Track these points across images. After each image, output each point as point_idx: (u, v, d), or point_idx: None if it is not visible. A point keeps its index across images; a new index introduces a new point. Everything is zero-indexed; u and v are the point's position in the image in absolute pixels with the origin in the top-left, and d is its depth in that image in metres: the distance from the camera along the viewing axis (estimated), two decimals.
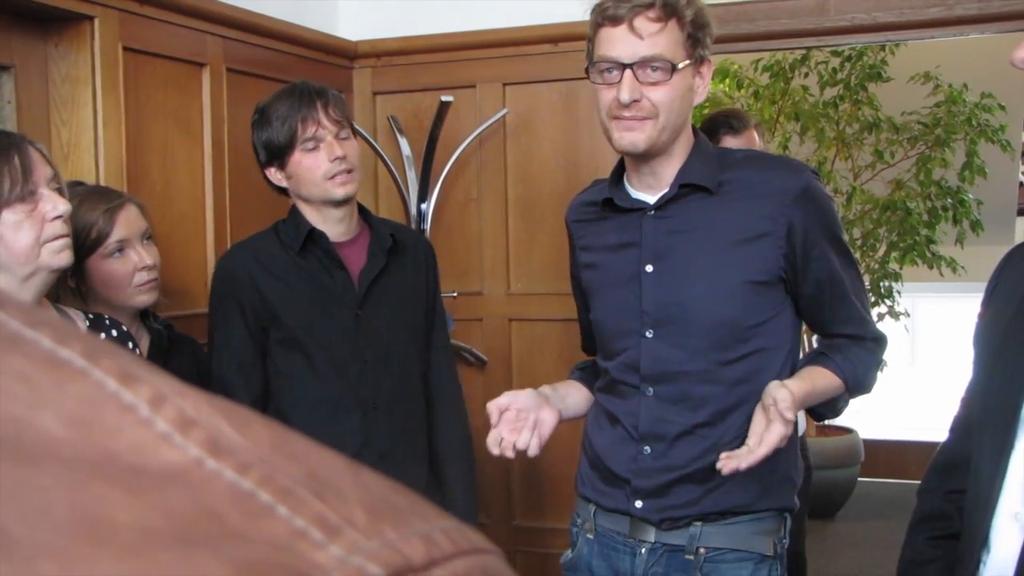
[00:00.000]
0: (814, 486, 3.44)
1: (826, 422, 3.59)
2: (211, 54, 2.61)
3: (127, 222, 1.92)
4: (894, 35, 2.89)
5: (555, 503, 3.02)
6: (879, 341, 1.76)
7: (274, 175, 2.03)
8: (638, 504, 1.71)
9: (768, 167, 1.72)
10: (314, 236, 2.02)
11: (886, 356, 1.83)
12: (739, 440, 1.60)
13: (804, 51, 4.86)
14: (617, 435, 1.75)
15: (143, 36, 2.39)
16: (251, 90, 2.68)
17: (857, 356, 1.70)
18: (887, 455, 5.85)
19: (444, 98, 2.93)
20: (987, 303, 1.45)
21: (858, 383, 1.71)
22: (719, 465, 1.54)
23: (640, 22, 1.59)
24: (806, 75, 5.06)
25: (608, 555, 1.77)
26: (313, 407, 2.01)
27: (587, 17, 1.67)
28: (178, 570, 0.23)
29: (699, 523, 1.69)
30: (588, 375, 1.91)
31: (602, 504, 1.78)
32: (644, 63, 1.59)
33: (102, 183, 2.22)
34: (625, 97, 1.58)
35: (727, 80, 5.01)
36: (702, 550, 1.69)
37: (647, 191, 1.72)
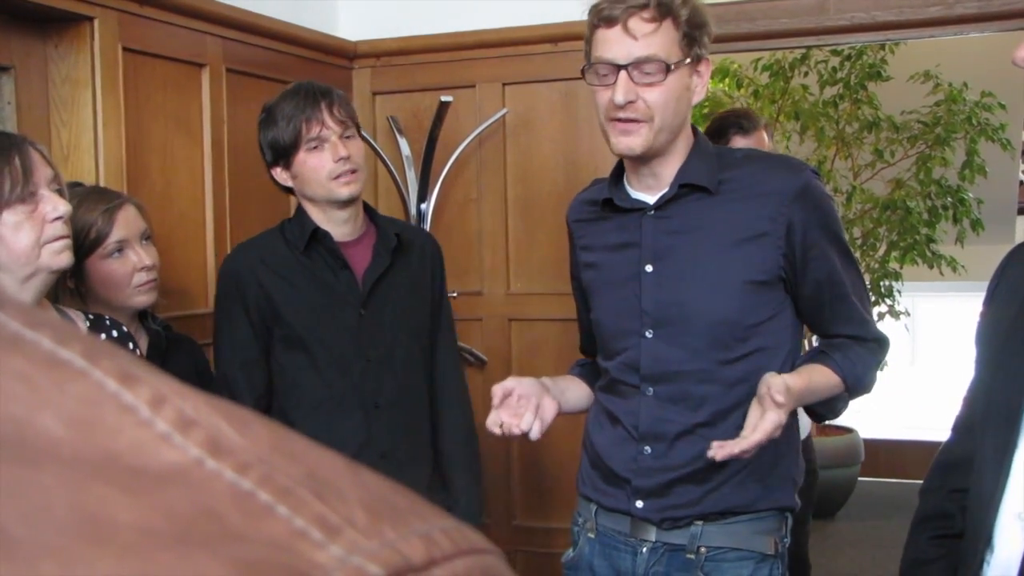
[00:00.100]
0: None
1: (826, 422, 3.59)
2: (211, 54, 2.61)
3: (126, 222, 1.93)
4: (894, 34, 2.90)
5: (556, 503, 3.01)
6: (880, 342, 1.74)
7: (280, 175, 2.04)
8: (639, 504, 1.71)
9: (767, 166, 1.71)
10: (319, 235, 2.02)
11: (886, 356, 1.82)
12: None
13: (804, 50, 4.86)
14: (617, 435, 1.75)
15: (143, 37, 2.39)
16: (251, 90, 2.68)
17: (857, 355, 1.69)
18: (887, 455, 5.84)
19: (444, 98, 2.93)
20: (989, 302, 1.45)
21: (857, 382, 1.70)
22: (710, 453, 1.52)
23: (634, 23, 1.58)
24: (806, 74, 5.05)
25: (609, 554, 1.77)
26: (315, 406, 2.01)
27: (585, 17, 1.67)
28: (178, 570, 0.23)
29: (700, 522, 1.69)
30: (588, 372, 1.91)
31: (603, 503, 1.78)
32: (639, 64, 1.58)
33: (102, 184, 2.22)
34: (620, 98, 1.58)
35: (727, 79, 5.01)
36: (703, 549, 1.68)
37: (647, 191, 1.72)
